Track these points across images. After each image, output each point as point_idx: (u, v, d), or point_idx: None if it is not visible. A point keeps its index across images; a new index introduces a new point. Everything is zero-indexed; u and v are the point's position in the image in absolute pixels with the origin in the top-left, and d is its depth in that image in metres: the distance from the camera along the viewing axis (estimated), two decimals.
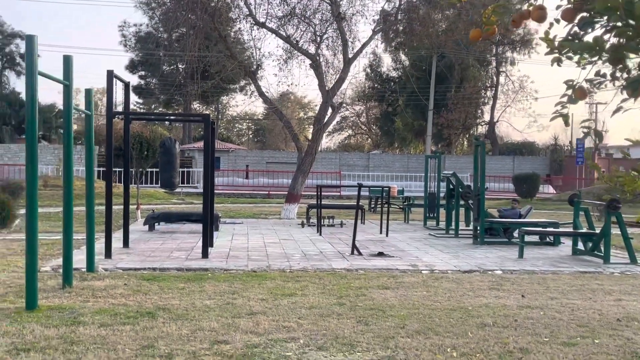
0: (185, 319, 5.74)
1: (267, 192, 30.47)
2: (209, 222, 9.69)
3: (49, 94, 73.86)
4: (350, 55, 18.29)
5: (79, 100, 58.08)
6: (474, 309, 6.42)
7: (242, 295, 6.82)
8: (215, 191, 28.62)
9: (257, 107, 74.16)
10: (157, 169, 29.64)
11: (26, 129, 6.08)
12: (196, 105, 50.98)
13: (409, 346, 5.02)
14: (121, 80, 9.91)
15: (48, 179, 25.11)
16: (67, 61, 6.97)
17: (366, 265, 9.11)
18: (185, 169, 33.04)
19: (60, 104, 51.39)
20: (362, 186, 10.46)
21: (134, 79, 47.25)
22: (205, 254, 9.45)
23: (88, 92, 8.10)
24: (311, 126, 65.87)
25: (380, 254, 10.10)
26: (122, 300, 6.47)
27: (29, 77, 5.87)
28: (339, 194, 28.81)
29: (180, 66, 45.13)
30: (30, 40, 5.91)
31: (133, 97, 48.16)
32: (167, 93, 44.22)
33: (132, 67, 45.45)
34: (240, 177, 36.31)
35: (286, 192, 19.08)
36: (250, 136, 77.31)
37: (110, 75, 9.24)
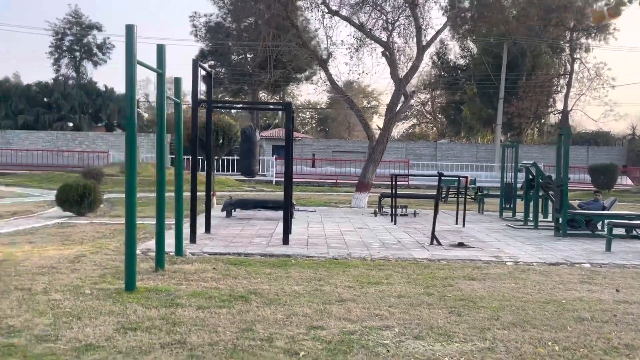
0: (278, 303, 5.83)
1: (334, 181, 30.56)
2: (289, 209, 9.79)
3: (123, 84, 76.34)
4: (424, 43, 18.02)
5: (149, 90, 59.75)
6: (567, 303, 6.23)
7: (329, 282, 6.87)
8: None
9: (321, 96, 74.40)
10: (230, 157, 30.35)
11: (126, 116, 6.30)
12: (262, 95, 51.61)
13: (507, 338, 4.93)
14: (205, 69, 10.12)
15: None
16: (161, 50, 7.16)
17: (447, 255, 9.00)
18: None
19: (137, 94, 53.14)
20: (443, 176, 10.31)
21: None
22: (286, 241, 9.57)
23: (177, 81, 8.30)
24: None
25: (461, 245, 9.95)
26: (214, 284, 6.63)
27: (129, 66, 6.06)
28: (407, 183, 28.57)
29: (248, 56, 45.75)
30: (130, 30, 6.09)
31: (202, 87, 49.27)
32: (238, 82, 44.87)
33: (202, 56, 46.28)
34: (307, 165, 36.56)
35: (353, 181, 19.07)
36: (314, 125, 77.62)
37: (195, 64, 9.44)
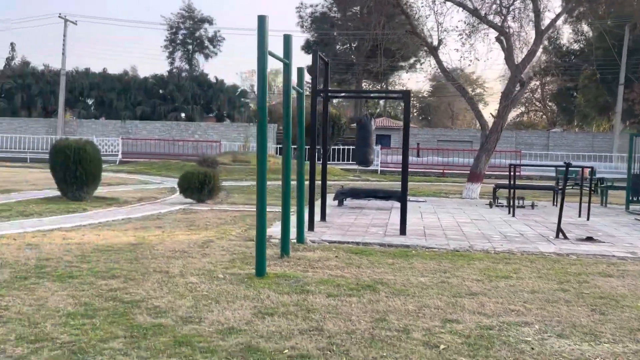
0: (407, 294, 5.76)
1: (441, 171, 30.01)
2: (406, 199, 9.68)
3: (232, 76, 78.74)
4: (542, 27, 17.18)
5: (254, 81, 61.40)
6: None
7: (455, 275, 6.71)
8: (391, 169, 28.73)
9: (424, 85, 73.27)
10: (335, 146, 30.58)
11: (258, 105, 6.43)
12: (364, 84, 51.57)
13: None
14: (323, 59, 10.19)
15: (236, 155, 26.89)
16: (287, 41, 7.25)
17: (576, 250, 8.53)
18: None
19: (243, 85, 54.93)
20: (570, 166, 9.79)
21: (308, 59, 48.83)
22: (403, 231, 9.47)
23: (300, 71, 8.40)
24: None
25: (589, 239, 9.41)
26: (339, 272, 6.67)
27: (260, 56, 6.18)
28: (519, 173, 27.50)
29: (352, 45, 45.83)
30: (261, 20, 6.20)
31: (306, 77, 49.74)
32: (344, 72, 45.08)
33: (307, 47, 46.98)
34: (412, 155, 36.12)
35: (461, 171, 18.55)
36: (415, 114, 76.62)
37: (315, 54, 9.52)
